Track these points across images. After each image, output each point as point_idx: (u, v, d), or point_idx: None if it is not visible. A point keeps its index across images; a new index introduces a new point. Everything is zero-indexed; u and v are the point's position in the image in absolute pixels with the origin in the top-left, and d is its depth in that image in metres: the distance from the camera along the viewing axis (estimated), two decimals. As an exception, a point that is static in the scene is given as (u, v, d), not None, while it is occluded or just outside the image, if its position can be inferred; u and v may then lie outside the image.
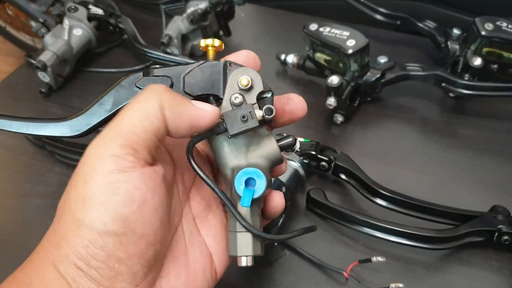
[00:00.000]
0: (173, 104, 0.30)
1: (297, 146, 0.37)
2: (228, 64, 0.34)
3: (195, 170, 0.32)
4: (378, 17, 0.78)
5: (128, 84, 0.34)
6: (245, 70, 0.33)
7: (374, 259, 0.46)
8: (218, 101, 0.34)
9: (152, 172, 0.30)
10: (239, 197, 0.32)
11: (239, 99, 0.33)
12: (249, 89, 0.33)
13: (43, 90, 0.68)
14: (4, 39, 1.71)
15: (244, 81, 0.33)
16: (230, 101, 0.33)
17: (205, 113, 0.31)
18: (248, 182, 0.32)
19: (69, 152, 0.59)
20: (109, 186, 0.28)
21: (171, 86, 0.34)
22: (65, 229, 0.28)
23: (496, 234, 0.50)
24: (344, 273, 0.47)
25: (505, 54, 0.67)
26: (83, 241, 0.27)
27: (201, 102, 0.32)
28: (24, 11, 0.82)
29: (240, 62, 0.34)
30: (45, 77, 0.67)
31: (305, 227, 0.37)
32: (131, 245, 0.28)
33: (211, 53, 0.36)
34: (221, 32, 0.79)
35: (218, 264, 0.35)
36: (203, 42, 0.36)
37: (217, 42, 0.35)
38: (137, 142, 0.29)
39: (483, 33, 0.65)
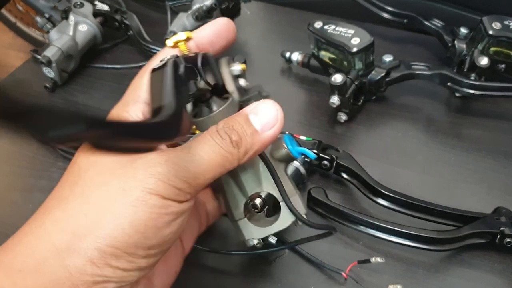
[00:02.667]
0: None
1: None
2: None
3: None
4: (385, 15, 0.77)
5: None
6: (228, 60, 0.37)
7: (373, 260, 0.46)
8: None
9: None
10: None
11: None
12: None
13: (48, 85, 0.69)
14: (14, 34, 1.73)
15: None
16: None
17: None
18: None
19: (72, 147, 0.59)
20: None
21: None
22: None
23: (498, 236, 0.49)
24: (343, 273, 0.47)
25: (513, 53, 0.66)
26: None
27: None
28: (33, 7, 0.83)
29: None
30: (49, 72, 0.67)
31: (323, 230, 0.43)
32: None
33: (183, 48, 0.37)
34: (226, 29, 0.79)
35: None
36: (170, 42, 0.37)
37: (183, 35, 0.37)
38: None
39: (490, 32, 0.64)
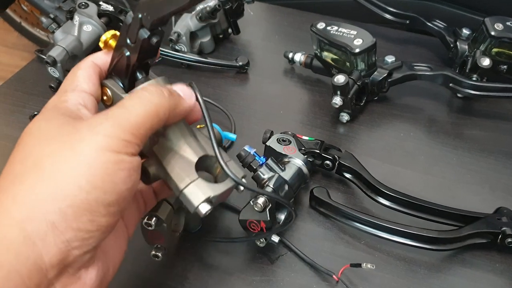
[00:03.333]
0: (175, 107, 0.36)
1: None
2: None
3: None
4: (387, 16, 0.77)
5: None
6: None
7: (364, 265, 0.46)
8: None
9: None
10: None
11: None
12: None
13: (52, 85, 0.69)
14: (19, 34, 1.74)
15: None
16: None
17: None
18: None
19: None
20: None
21: None
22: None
23: (500, 236, 0.50)
24: (334, 276, 0.47)
25: (515, 55, 0.66)
26: None
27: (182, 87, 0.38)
28: (37, 7, 0.83)
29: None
30: (54, 72, 0.68)
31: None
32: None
33: (113, 44, 0.39)
34: (230, 30, 0.79)
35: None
36: (101, 43, 0.39)
37: (109, 33, 0.39)
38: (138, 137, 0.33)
39: (492, 33, 0.64)
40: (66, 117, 0.33)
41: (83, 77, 0.37)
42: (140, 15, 0.34)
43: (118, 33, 0.39)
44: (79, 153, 0.30)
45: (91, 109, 0.36)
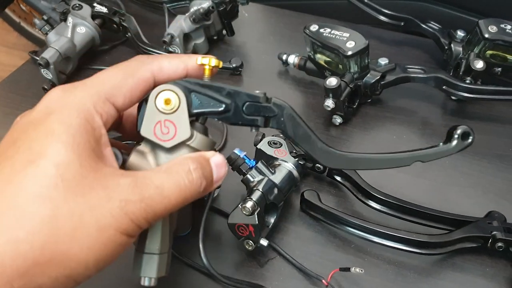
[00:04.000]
0: None
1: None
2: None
3: None
4: (382, 18, 0.77)
5: None
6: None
7: (352, 270, 0.46)
8: None
9: None
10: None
11: None
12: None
13: (46, 87, 0.69)
14: (18, 34, 1.74)
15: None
16: None
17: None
18: None
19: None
20: None
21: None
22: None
23: (490, 241, 0.49)
24: (323, 280, 0.47)
25: (510, 57, 0.66)
26: None
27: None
28: (34, 7, 0.83)
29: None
30: (47, 74, 0.68)
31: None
32: None
33: (207, 72, 0.37)
34: (224, 32, 0.79)
35: None
36: (199, 60, 0.37)
37: (214, 62, 0.37)
38: None
39: (486, 35, 0.64)
40: (91, 155, 0.30)
41: (128, 90, 0.34)
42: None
43: (220, 64, 0.37)
44: (102, 231, 0.28)
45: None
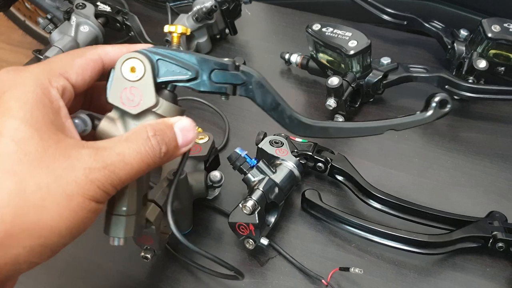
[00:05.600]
0: None
1: None
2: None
3: None
4: (385, 17, 0.77)
5: None
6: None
7: (351, 270, 0.46)
8: None
9: None
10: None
11: None
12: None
13: (49, 85, 0.70)
14: (23, 32, 1.75)
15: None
16: None
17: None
18: None
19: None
20: None
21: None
22: None
23: (491, 241, 0.49)
24: (323, 280, 0.47)
25: (513, 56, 0.66)
26: None
27: None
28: (39, 6, 0.84)
29: None
30: (51, 73, 0.68)
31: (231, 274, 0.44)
32: None
33: (175, 39, 0.38)
34: (227, 31, 0.79)
35: None
36: (169, 31, 0.38)
37: (180, 29, 0.38)
38: None
39: (489, 35, 0.64)
40: (50, 127, 0.31)
41: (79, 67, 0.35)
42: None
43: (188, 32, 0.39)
44: (70, 198, 0.29)
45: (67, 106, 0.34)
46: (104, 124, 0.36)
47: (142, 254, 0.47)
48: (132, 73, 0.35)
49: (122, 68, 0.35)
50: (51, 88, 0.32)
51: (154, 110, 0.36)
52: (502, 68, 0.67)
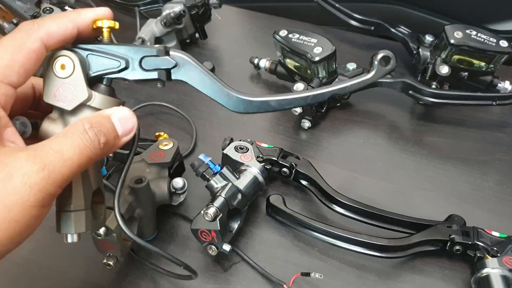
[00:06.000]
0: None
1: None
2: None
3: None
4: (353, 22, 0.78)
5: None
6: None
7: (312, 275, 0.47)
8: None
9: None
10: None
11: None
12: None
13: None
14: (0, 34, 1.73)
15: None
16: None
17: None
18: None
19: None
20: None
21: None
22: None
23: (448, 244, 0.51)
24: (285, 286, 0.48)
25: (475, 62, 0.67)
26: None
27: None
28: (9, 8, 0.82)
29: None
30: (17, 78, 0.67)
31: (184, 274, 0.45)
32: None
33: (106, 35, 0.38)
34: (197, 35, 0.79)
35: None
36: (93, 23, 0.37)
37: (106, 23, 0.37)
38: None
39: (452, 41, 0.65)
40: None
41: (20, 65, 0.33)
42: None
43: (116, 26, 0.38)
44: (9, 208, 0.29)
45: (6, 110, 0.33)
46: (45, 125, 0.37)
47: (105, 261, 0.47)
48: (62, 70, 0.36)
49: (54, 67, 0.35)
50: None
51: (88, 103, 0.36)
52: (466, 73, 0.68)
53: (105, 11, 0.37)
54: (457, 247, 0.50)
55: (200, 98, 0.72)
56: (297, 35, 0.65)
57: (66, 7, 0.75)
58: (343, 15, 0.78)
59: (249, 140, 0.59)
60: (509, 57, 0.66)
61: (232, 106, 0.39)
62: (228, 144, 0.57)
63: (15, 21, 0.72)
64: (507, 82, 0.69)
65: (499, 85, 0.69)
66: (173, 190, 0.52)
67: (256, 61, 0.74)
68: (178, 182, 0.52)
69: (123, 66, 0.37)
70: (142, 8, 0.82)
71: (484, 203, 0.58)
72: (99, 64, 0.36)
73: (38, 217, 0.31)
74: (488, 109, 0.70)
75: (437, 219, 0.54)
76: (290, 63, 0.68)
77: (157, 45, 0.37)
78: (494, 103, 0.65)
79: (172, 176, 0.54)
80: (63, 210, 0.36)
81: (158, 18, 0.73)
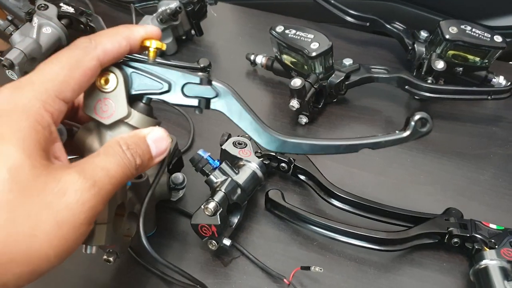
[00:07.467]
0: None
1: None
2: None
3: None
4: (348, 18, 0.78)
5: None
6: None
7: (312, 268, 0.47)
8: None
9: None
10: None
11: None
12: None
13: (11, 88, 0.68)
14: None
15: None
16: None
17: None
18: None
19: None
20: None
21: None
22: None
23: (447, 237, 0.51)
24: (285, 279, 0.48)
25: (470, 57, 0.68)
26: None
27: None
28: (2, 6, 0.82)
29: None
30: (13, 75, 0.67)
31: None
32: None
33: (151, 54, 0.38)
34: (193, 32, 0.79)
35: None
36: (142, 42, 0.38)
37: (154, 44, 0.38)
38: None
39: (447, 36, 0.66)
40: (42, 154, 0.30)
41: (76, 83, 0.34)
42: None
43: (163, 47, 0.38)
44: (61, 226, 0.29)
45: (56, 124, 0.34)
46: (81, 134, 0.37)
47: (105, 257, 0.47)
48: (105, 85, 0.36)
49: (97, 80, 0.36)
50: (45, 114, 0.32)
51: (126, 121, 0.37)
52: (460, 69, 0.69)
53: (155, 30, 0.38)
54: (455, 240, 0.51)
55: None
56: (293, 31, 0.65)
57: (61, 4, 0.75)
58: (338, 11, 0.78)
59: (247, 135, 0.59)
60: (503, 52, 0.66)
61: (265, 143, 0.40)
62: (226, 140, 0.57)
63: (9, 17, 0.71)
64: (501, 77, 0.70)
65: (493, 80, 0.70)
66: (173, 185, 0.52)
67: (252, 57, 0.74)
68: (178, 177, 0.52)
69: (165, 89, 0.37)
70: (137, 5, 0.82)
71: (481, 196, 0.59)
72: (142, 83, 0.37)
73: (85, 234, 0.31)
74: (483, 104, 0.71)
75: (434, 213, 0.54)
76: (287, 59, 0.68)
77: (201, 73, 0.38)
78: (489, 97, 0.66)
79: (170, 172, 0.54)
80: None
81: (154, 14, 0.73)
